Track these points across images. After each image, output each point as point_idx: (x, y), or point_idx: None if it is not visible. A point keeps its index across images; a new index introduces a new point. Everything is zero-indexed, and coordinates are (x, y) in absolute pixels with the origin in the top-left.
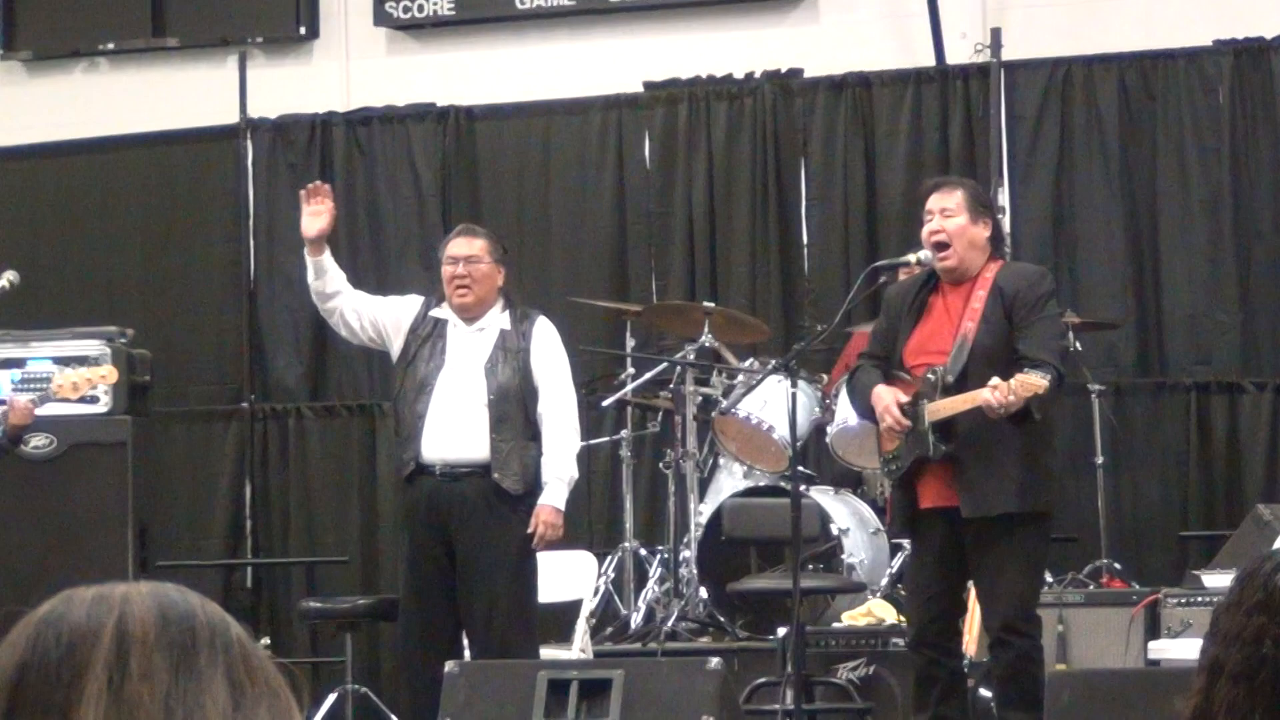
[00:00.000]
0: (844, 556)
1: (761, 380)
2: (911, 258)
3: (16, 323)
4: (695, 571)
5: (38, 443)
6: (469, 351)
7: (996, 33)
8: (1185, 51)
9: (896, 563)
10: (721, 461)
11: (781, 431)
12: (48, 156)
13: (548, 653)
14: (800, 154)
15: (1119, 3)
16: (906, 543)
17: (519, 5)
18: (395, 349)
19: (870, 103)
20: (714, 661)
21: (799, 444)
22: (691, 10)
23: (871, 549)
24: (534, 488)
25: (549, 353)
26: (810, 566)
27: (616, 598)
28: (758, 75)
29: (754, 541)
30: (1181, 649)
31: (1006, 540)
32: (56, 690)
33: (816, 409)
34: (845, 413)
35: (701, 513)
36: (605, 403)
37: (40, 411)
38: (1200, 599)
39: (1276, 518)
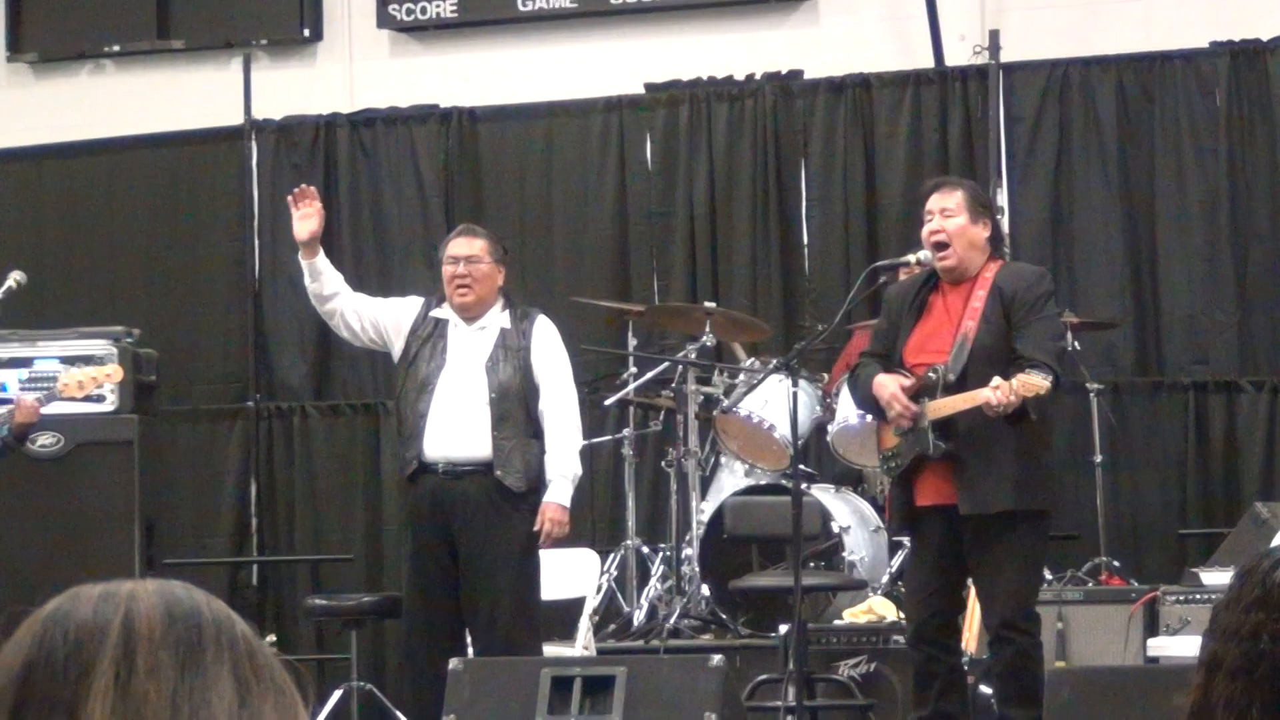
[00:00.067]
0: (845, 554)
1: (763, 379)
2: (911, 258)
3: (23, 322)
4: (697, 569)
5: (45, 441)
6: (470, 350)
7: (995, 35)
8: (1182, 53)
9: (897, 560)
10: (723, 460)
11: (783, 430)
12: (54, 158)
13: (551, 650)
14: (800, 155)
15: (1117, 5)
16: (907, 540)
17: (521, 7)
18: (396, 350)
19: (870, 104)
20: (716, 658)
21: (800, 442)
22: (692, 12)
23: (872, 547)
24: (536, 485)
25: (549, 351)
26: (811, 564)
27: (619, 595)
28: (758, 77)
29: (755, 539)
30: (1180, 646)
31: (1005, 538)
32: (64, 687)
33: (817, 408)
34: (846, 412)
35: (703, 511)
36: (608, 402)
37: (47, 410)
38: (1198, 596)
39: (1274, 515)
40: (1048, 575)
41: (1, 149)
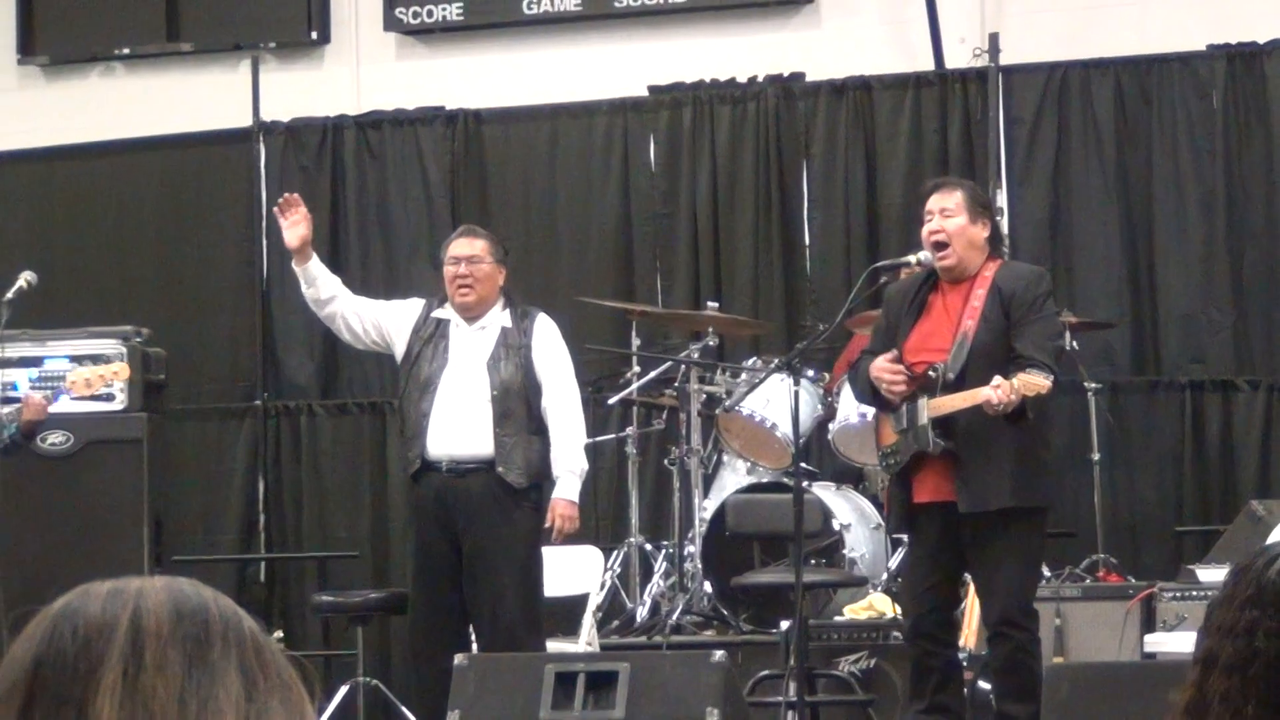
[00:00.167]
0: (845, 551)
1: (764, 379)
2: (912, 258)
3: (34, 322)
4: (699, 566)
5: (55, 440)
6: (472, 349)
7: (994, 38)
8: (1180, 56)
9: (897, 558)
10: (725, 458)
11: (784, 429)
12: (65, 159)
13: (555, 646)
14: (802, 156)
15: (1115, 8)
16: (906, 538)
17: (526, 10)
18: (399, 350)
19: (871, 106)
20: (718, 654)
21: (801, 441)
22: (695, 15)
23: (872, 544)
24: (538, 481)
25: (550, 348)
26: (812, 561)
27: (622, 592)
28: (761, 79)
29: (757, 536)
30: (1176, 642)
31: (1004, 535)
32: (73, 683)
33: (819, 407)
34: (847, 410)
35: (706, 508)
36: (611, 401)
37: (57, 409)
38: (1195, 593)
39: (1270, 513)
40: (1046, 572)
41: (13, 150)
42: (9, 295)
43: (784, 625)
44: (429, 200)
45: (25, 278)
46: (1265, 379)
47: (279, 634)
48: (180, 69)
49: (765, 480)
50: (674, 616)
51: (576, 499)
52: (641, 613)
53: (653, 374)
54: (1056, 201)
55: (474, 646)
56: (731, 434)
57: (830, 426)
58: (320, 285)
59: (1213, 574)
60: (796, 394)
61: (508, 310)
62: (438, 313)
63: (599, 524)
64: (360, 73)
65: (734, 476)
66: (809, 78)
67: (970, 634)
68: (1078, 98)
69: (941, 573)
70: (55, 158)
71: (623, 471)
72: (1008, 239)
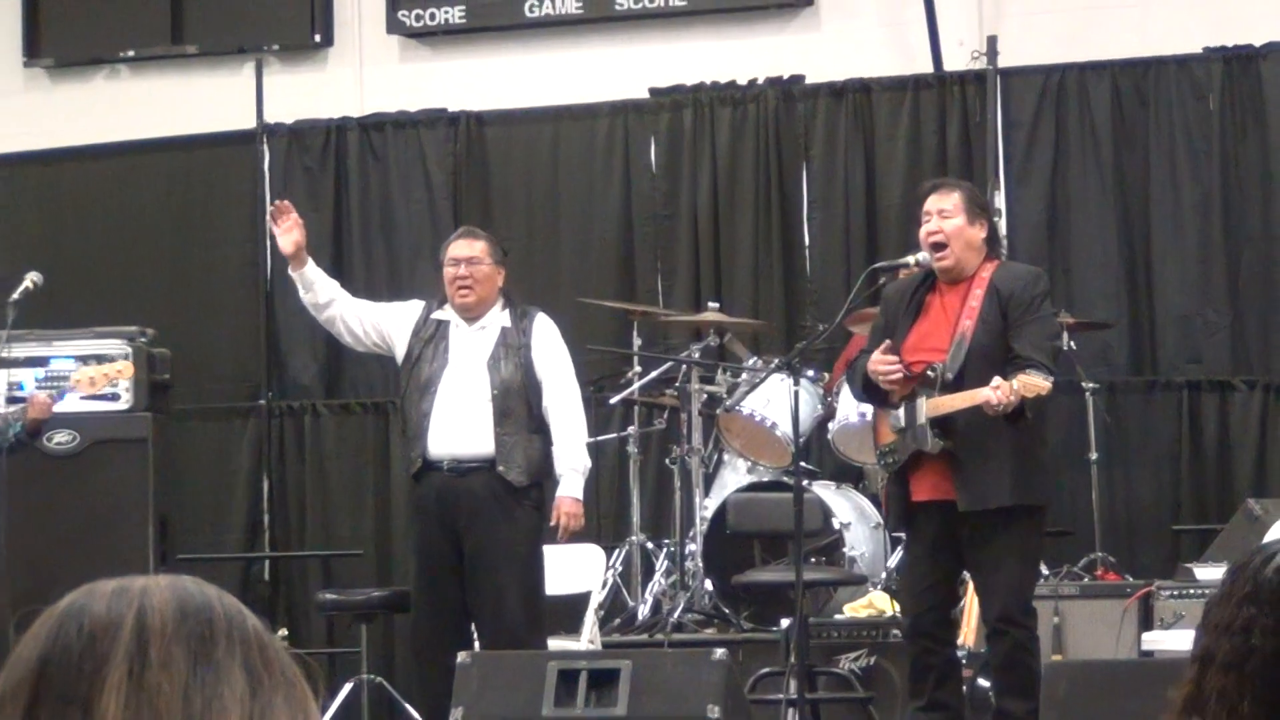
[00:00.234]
0: (845, 550)
1: (765, 378)
2: (910, 259)
3: (40, 322)
4: (701, 564)
5: (61, 439)
6: (472, 350)
7: (993, 40)
8: (1177, 59)
9: (896, 556)
10: (726, 457)
11: (784, 428)
12: (70, 161)
13: (557, 643)
14: (802, 158)
15: (1112, 11)
16: (905, 536)
17: (528, 14)
18: (400, 352)
19: (870, 108)
20: (719, 652)
21: (801, 440)
22: (696, 18)
23: (872, 543)
24: (539, 479)
25: (550, 348)
26: (813, 560)
27: (624, 590)
28: (761, 81)
29: (758, 535)
30: (1174, 640)
31: (1002, 533)
32: (78, 681)
33: (819, 406)
34: (847, 410)
35: (707, 507)
36: (613, 400)
37: (63, 409)
38: (1192, 591)
39: (1266, 512)
40: (1044, 570)
41: (19, 152)
42: (15, 296)
43: (784, 623)
44: (431, 202)
45: (31, 278)
46: (1261, 379)
47: (283, 632)
48: (185, 71)
49: (766, 479)
50: (675, 614)
51: (581, 496)
52: (643, 611)
53: (654, 374)
54: (1054, 203)
55: (476, 644)
56: (732, 433)
57: (830, 426)
58: (318, 290)
59: (1210, 572)
60: (796, 394)
61: (507, 310)
62: (438, 314)
63: (601, 523)
64: (363, 75)
65: (735, 475)
66: (808, 80)
67: (969, 632)
68: (1075, 100)
69: (940, 571)
70: (60, 159)
71: (624, 471)
72: (1006, 240)
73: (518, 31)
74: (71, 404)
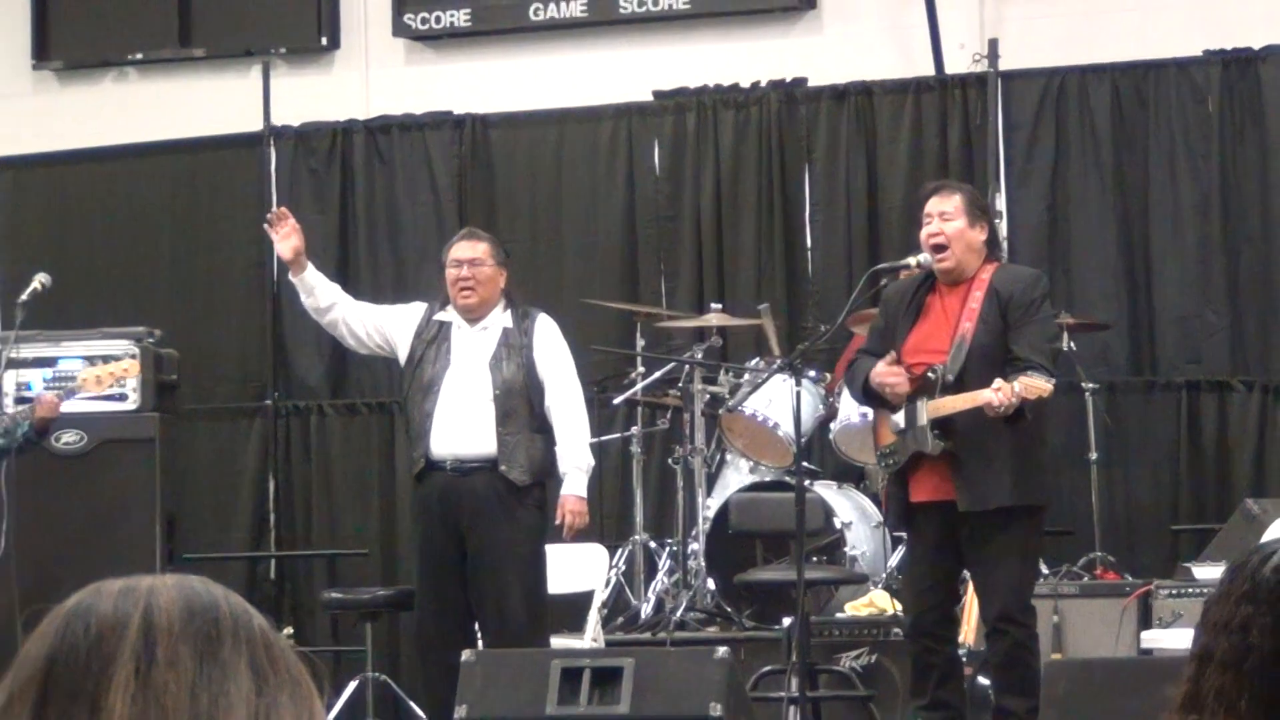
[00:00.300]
0: (847, 549)
1: (767, 379)
2: (911, 261)
3: (48, 323)
4: (703, 563)
5: (69, 439)
6: (473, 350)
7: (994, 43)
8: (1176, 61)
9: (897, 555)
10: (728, 457)
11: (786, 428)
12: (79, 163)
13: (561, 642)
14: (804, 160)
15: (1112, 15)
16: (906, 536)
17: (533, 17)
18: (402, 354)
19: (872, 111)
20: (721, 650)
21: (803, 440)
22: (699, 21)
23: (873, 542)
24: (541, 479)
25: (552, 347)
26: (814, 559)
27: (627, 589)
28: (763, 84)
29: (760, 534)
30: (1173, 638)
31: (1002, 533)
32: (86, 679)
33: (820, 407)
34: (848, 410)
35: (709, 507)
36: (616, 401)
37: (72, 409)
38: (1191, 590)
39: (1264, 511)
40: (1044, 570)
41: (28, 154)
42: (24, 297)
43: (786, 622)
44: (437, 203)
45: (40, 279)
46: (1260, 379)
47: (289, 630)
48: (192, 74)
49: (768, 479)
50: (678, 613)
51: (585, 495)
52: (646, 609)
53: (657, 374)
54: (1054, 204)
55: (479, 643)
56: (735, 433)
57: (831, 426)
58: (319, 294)
59: (1208, 571)
60: (798, 394)
61: (509, 311)
62: (440, 315)
63: (604, 522)
64: (369, 78)
65: (737, 475)
66: (811, 83)
67: (970, 630)
68: (1075, 102)
69: (941, 571)
70: (69, 161)
71: (627, 470)
72: (1006, 241)
73: (522, 34)
74: (80, 404)
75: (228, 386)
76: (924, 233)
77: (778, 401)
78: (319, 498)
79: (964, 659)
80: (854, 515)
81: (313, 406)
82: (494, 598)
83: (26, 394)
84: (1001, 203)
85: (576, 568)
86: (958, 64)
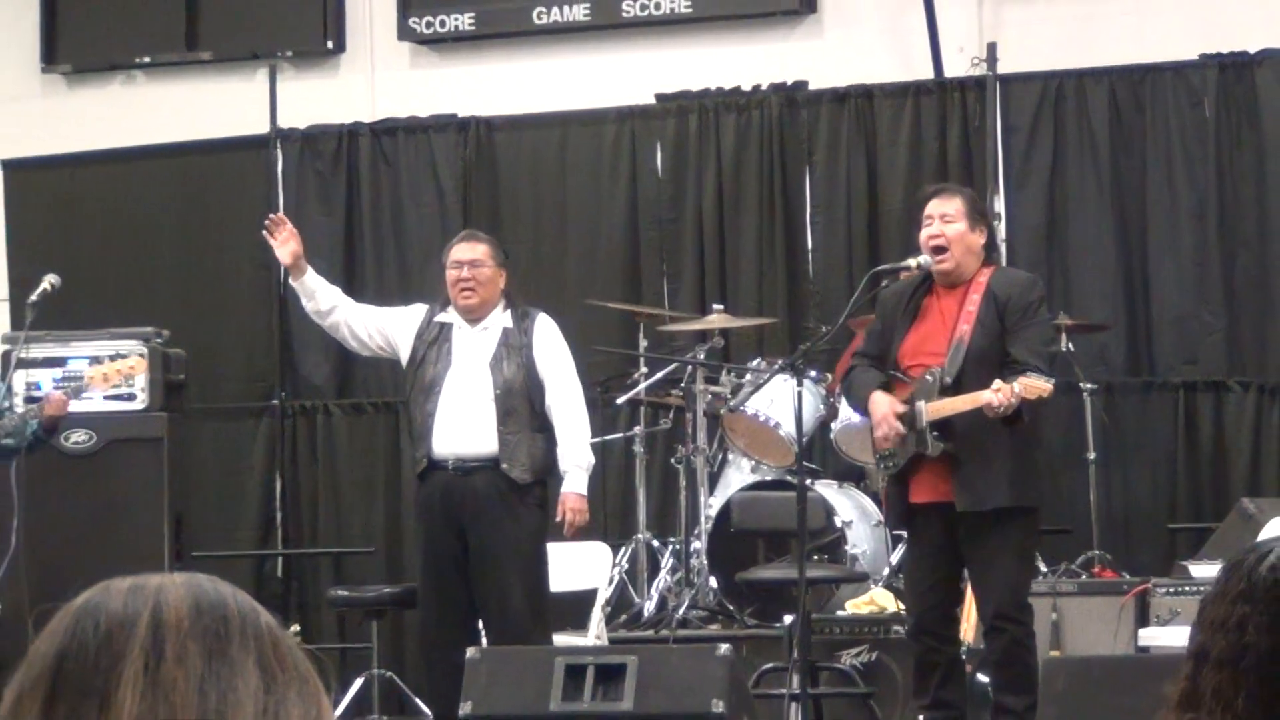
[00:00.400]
0: (847, 548)
1: (769, 379)
2: (912, 262)
3: (57, 324)
4: (705, 562)
5: (78, 438)
6: (474, 350)
7: (992, 47)
8: (1173, 65)
9: (897, 554)
10: (730, 457)
11: (788, 428)
12: (87, 165)
13: (564, 639)
14: (805, 163)
15: (1109, 19)
16: (906, 536)
17: (536, 21)
18: (404, 355)
19: (872, 114)
20: (724, 648)
21: (804, 440)
22: (701, 25)
23: (874, 540)
24: (542, 477)
25: (552, 347)
26: (815, 557)
27: (630, 587)
28: (765, 88)
29: (761, 533)
30: (1170, 636)
31: (999, 533)
32: (95, 675)
33: (821, 407)
34: (849, 410)
35: (711, 506)
36: (619, 401)
37: (80, 409)
38: (1188, 589)
39: (1260, 511)
40: (1043, 568)
41: (37, 157)
42: (33, 297)
43: (787, 620)
44: (442, 205)
45: (49, 280)
46: (1256, 380)
47: (295, 628)
48: (199, 77)
49: (769, 478)
50: (680, 611)
51: (585, 492)
52: (649, 607)
53: (659, 374)
54: (1053, 206)
55: (483, 640)
56: (736, 433)
57: (832, 426)
58: (320, 297)
59: (1205, 570)
60: (800, 394)
61: (509, 311)
62: (440, 316)
63: (607, 521)
64: (375, 81)
65: (739, 474)
66: (812, 86)
67: (969, 628)
68: (1073, 106)
69: (942, 571)
70: (78, 164)
71: (630, 470)
72: (1005, 243)
73: (526, 38)
74: (89, 404)
75: (235, 386)
76: (924, 234)
77: (779, 401)
78: (325, 496)
79: (964, 656)
80: (855, 514)
81: (319, 406)
82: (496, 596)
83: (36, 394)
84: (1000, 204)
85: (580, 566)
86: (957, 67)
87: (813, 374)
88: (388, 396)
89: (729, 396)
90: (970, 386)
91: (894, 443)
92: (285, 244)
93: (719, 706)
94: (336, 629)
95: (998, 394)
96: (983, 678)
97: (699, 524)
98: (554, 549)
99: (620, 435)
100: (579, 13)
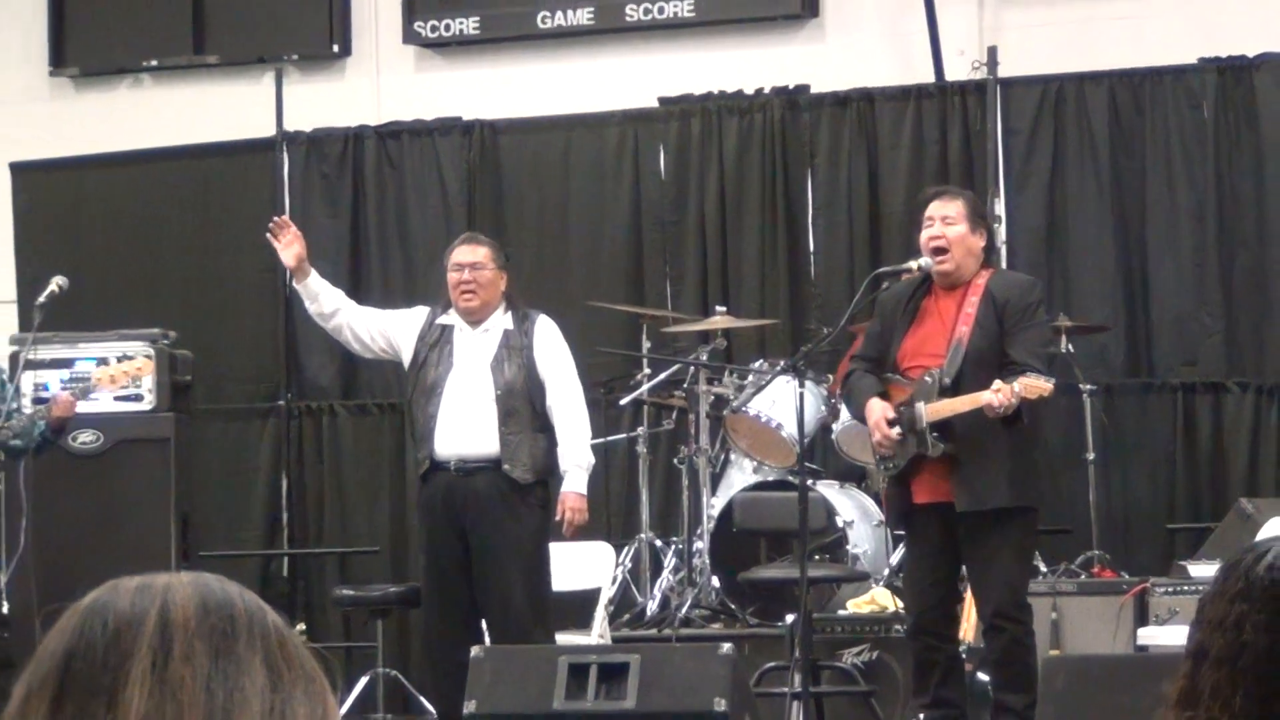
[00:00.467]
0: (849, 547)
1: (771, 380)
2: (913, 264)
3: (65, 325)
4: (708, 561)
5: (85, 439)
6: (475, 352)
7: (993, 51)
8: (1172, 69)
9: (898, 554)
10: (733, 457)
11: (789, 429)
12: (94, 168)
13: (568, 638)
14: (807, 166)
15: (1109, 23)
16: (906, 535)
17: (540, 25)
18: (406, 357)
19: (873, 117)
20: (726, 647)
21: (806, 441)
22: (704, 29)
23: (874, 540)
24: (543, 477)
25: (552, 348)
26: (817, 557)
27: (633, 586)
28: (767, 91)
29: (763, 533)
30: (1168, 635)
31: (998, 532)
32: (103, 674)
33: (823, 407)
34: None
35: (714, 506)
36: (622, 401)
37: (88, 410)
38: (1186, 588)
39: (1259, 511)
40: (1043, 568)
41: (44, 159)
42: (41, 299)
43: (789, 619)
44: (446, 208)
45: (57, 282)
46: (1254, 381)
47: (301, 627)
48: (206, 81)
49: (771, 479)
50: (683, 610)
51: (585, 491)
52: (652, 606)
53: (662, 376)
54: (1053, 209)
55: (486, 639)
56: (739, 434)
57: (834, 427)
58: (323, 300)
59: (1203, 570)
60: (801, 395)
61: (509, 313)
62: (442, 318)
63: (611, 521)
64: (380, 84)
65: (741, 475)
66: (813, 89)
67: (969, 628)
68: (1073, 109)
69: (942, 570)
70: (85, 166)
71: (633, 470)
72: (1005, 245)
73: (530, 42)
74: (96, 405)
75: (241, 387)
76: (925, 236)
77: (781, 402)
78: (331, 496)
79: (964, 655)
80: (856, 514)
81: (324, 407)
82: (498, 595)
83: (44, 395)
84: (1000, 207)
85: (584, 566)
86: (957, 71)
87: (814, 375)
88: (392, 397)
89: (731, 397)
90: (969, 388)
91: (889, 449)
92: (289, 246)
93: (721, 705)
94: (342, 628)
95: (998, 394)
96: (983, 677)
97: (701, 524)
98: (558, 549)
99: (623, 436)
100: (583, 17)
